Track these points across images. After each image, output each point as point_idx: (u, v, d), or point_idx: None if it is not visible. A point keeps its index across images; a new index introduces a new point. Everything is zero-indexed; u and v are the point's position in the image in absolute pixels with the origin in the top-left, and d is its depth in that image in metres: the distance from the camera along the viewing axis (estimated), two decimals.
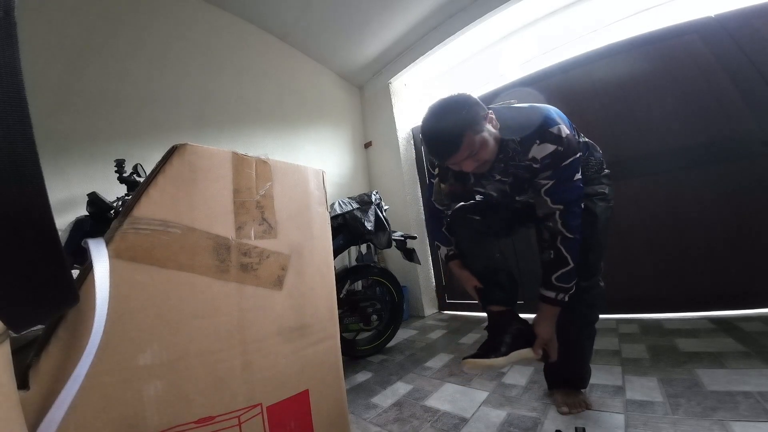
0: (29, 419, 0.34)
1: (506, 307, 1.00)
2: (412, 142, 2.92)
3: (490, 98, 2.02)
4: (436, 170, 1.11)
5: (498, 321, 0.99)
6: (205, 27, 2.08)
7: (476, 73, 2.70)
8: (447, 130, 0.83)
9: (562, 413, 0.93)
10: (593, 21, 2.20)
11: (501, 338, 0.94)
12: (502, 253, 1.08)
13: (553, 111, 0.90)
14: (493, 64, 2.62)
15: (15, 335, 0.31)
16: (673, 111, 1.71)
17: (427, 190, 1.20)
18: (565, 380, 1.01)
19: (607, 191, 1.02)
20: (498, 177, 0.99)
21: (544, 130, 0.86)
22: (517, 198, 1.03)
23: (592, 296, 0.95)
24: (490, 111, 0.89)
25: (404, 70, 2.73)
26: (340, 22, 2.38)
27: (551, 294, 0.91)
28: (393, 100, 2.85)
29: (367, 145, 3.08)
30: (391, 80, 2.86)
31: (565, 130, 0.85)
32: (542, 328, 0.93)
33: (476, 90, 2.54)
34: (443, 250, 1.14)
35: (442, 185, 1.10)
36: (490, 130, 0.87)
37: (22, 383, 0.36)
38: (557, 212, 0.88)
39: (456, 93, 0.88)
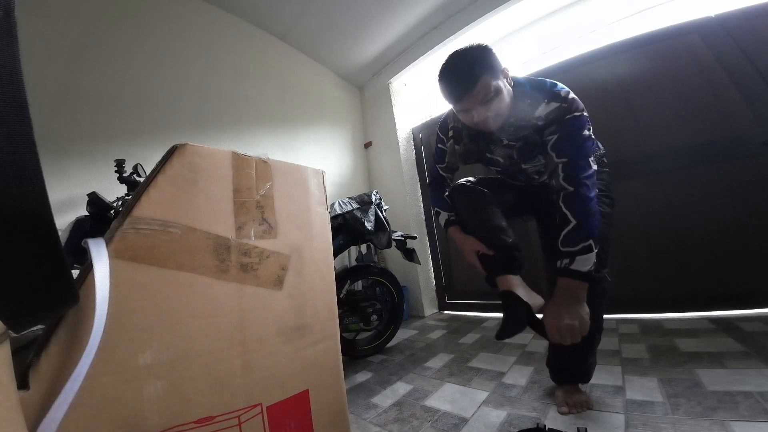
0: (29, 419, 0.34)
1: (513, 274, 0.93)
2: (412, 142, 2.92)
3: None
4: (450, 132, 1.09)
5: (508, 298, 0.90)
6: (205, 27, 2.09)
7: None
8: (466, 68, 0.85)
9: (562, 413, 0.93)
10: (593, 21, 2.20)
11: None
12: (505, 221, 1.01)
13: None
14: None
15: (15, 335, 0.31)
16: (673, 111, 1.71)
17: (433, 157, 1.19)
18: (571, 374, 0.99)
19: (608, 187, 1.04)
20: (506, 141, 0.99)
21: (552, 91, 0.90)
22: (523, 166, 1.01)
23: (602, 287, 0.95)
24: (506, 69, 0.91)
25: (404, 70, 2.72)
26: (340, 22, 2.38)
27: (557, 263, 0.85)
28: (393, 100, 2.85)
29: (367, 145, 3.08)
30: (391, 80, 2.86)
31: (572, 94, 0.89)
32: (548, 311, 0.85)
33: None
34: (443, 216, 1.10)
35: (456, 147, 1.08)
36: (505, 83, 0.89)
37: (22, 383, 0.36)
38: (560, 165, 0.87)
39: (477, 43, 0.89)
